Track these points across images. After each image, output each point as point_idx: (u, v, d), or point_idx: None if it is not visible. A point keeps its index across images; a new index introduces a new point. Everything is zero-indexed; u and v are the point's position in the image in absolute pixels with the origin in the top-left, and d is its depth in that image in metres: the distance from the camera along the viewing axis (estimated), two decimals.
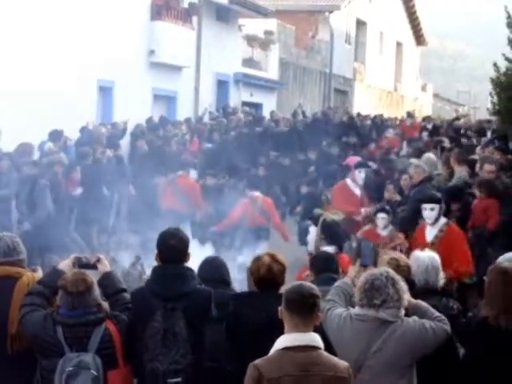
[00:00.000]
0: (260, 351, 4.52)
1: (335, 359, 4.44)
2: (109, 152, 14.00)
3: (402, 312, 4.97)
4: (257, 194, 12.17)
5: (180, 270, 5.36)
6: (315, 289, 4.58)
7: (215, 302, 5.42)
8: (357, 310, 5.03)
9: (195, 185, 13.47)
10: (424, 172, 11.00)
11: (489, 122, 21.91)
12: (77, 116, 15.90)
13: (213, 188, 13.79)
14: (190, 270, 5.47)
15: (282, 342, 4.42)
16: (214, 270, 6.12)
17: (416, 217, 10.32)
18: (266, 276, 5.45)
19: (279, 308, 4.55)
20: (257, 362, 4.37)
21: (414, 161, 12.30)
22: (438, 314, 5.14)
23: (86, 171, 12.62)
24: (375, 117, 25.64)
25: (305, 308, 4.44)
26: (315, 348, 4.39)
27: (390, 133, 21.26)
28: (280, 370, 4.29)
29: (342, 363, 4.41)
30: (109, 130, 16.01)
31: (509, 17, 17.57)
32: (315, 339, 4.42)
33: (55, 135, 14.07)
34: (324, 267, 6.41)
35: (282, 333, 4.49)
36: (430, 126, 22.21)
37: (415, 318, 5.04)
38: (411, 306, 5.14)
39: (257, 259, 5.56)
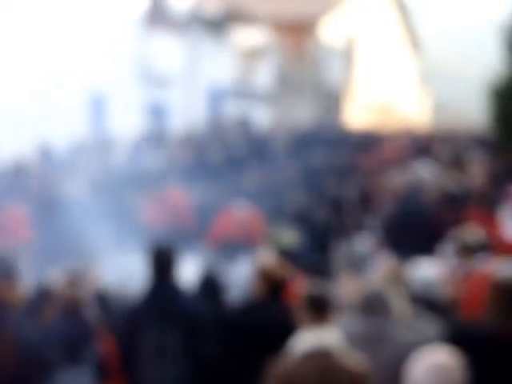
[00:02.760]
0: (263, 356, 4.57)
1: (353, 358, 4.47)
2: (93, 165, 13.83)
3: (398, 326, 5.00)
4: (240, 206, 11.87)
5: (172, 285, 5.40)
6: (327, 289, 4.71)
7: (208, 315, 5.43)
8: (352, 324, 5.03)
9: (183, 199, 12.82)
10: (409, 185, 10.98)
11: (482, 132, 21.94)
12: (69, 128, 15.85)
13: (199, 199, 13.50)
14: (182, 284, 5.53)
15: (303, 343, 4.43)
16: (209, 283, 6.11)
17: (402, 229, 10.20)
18: (272, 283, 5.46)
19: (296, 309, 4.59)
20: (280, 366, 4.38)
21: (401, 173, 12.25)
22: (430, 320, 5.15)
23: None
24: (369, 131, 25.53)
25: (325, 310, 4.51)
26: (335, 349, 4.43)
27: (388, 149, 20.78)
28: (302, 373, 4.33)
29: (360, 362, 4.46)
30: (99, 143, 15.94)
31: (506, 27, 17.59)
32: (334, 340, 4.47)
33: (45, 150, 13.91)
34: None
35: (284, 338, 4.57)
36: (415, 141, 21.93)
37: (408, 330, 5.03)
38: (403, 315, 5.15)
39: (263, 266, 5.61)
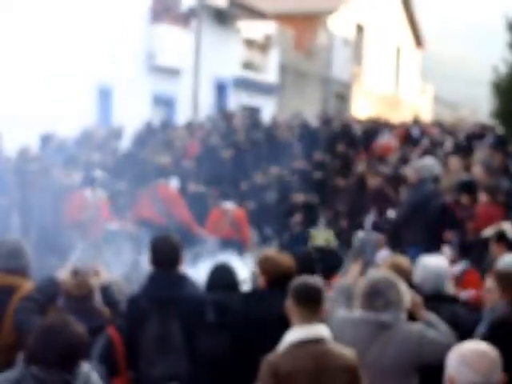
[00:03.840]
0: (266, 347, 4.57)
1: (343, 349, 4.50)
2: (96, 156, 13.82)
3: (404, 315, 5.02)
4: (229, 205, 11.88)
5: (174, 275, 5.39)
6: (320, 282, 4.66)
7: (219, 307, 5.47)
8: (358, 313, 5.08)
9: (176, 194, 12.52)
10: (421, 175, 11.01)
11: (485, 128, 21.91)
12: (76, 119, 15.91)
13: (194, 195, 13.44)
14: (184, 274, 5.48)
15: (293, 336, 4.46)
16: (223, 275, 6.09)
17: (411, 219, 10.30)
18: (273, 273, 5.51)
19: (286, 303, 4.60)
20: (271, 357, 4.39)
21: (412, 163, 12.25)
22: (445, 328, 5.13)
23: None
24: (371, 121, 25.45)
25: (312, 301, 4.50)
26: (324, 339, 4.46)
27: (384, 139, 20.69)
28: (294, 364, 4.33)
29: (350, 352, 4.48)
30: (104, 133, 16.01)
31: (509, 21, 17.60)
32: (324, 331, 4.48)
33: (47, 139, 13.87)
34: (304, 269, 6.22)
35: (287, 329, 4.53)
36: (417, 132, 21.83)
37: (419, 323, 5.08)
38: (421, 319, 5.18)
39: (266, 257, 5.63)
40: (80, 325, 4.01)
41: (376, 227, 8.11)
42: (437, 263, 6.03)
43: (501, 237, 7.49)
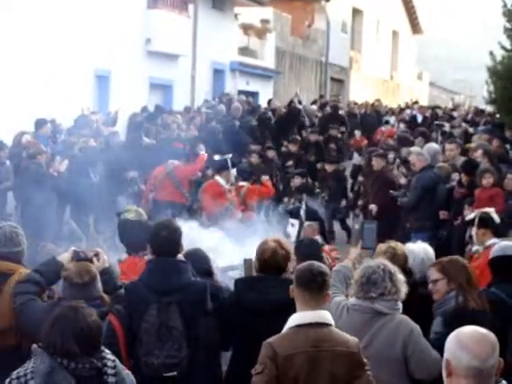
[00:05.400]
0: (260, 334, 4.58)
1: (345, 335, 4.49)
2: (92, 141, 13.82)
3: (399, 305, 5.03)
4: (243, 183, 12.02)
5: (174, 263, 5.32)
6: (325, 267, 4.64)
7: (208, 292, 5.37)
8: (353, 300, 5.10)
9: (193, 172, 13.22)
10: (426, 160, 11.07)
11: (482, 111, 22.01)
12: (73, 105, 15.88)
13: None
14: (184, 262, 5.41)
15: (294, 319, 4.46)
16: (197, 261, 5.89)
17: (419, 204, 10.38)
18: (270, 260, 5.43)
19: (290, 286, 4.60)
20: (271, 340, 4.39)
21: (415, 149, 12.32)
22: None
23: (72, 160, 12.24)
24: (372, 105, 25.57)
25: (315, 285, 4.48)
26: (326, 325, 4.45)
27: (386, 127, 20.92)
28: (294, 347, 4.33)
29: (352, 339, 4.47)
30: (101, 118, 15.99)
31: (505, 5, 17.58)
32: (326, 316, 4.48)
33: (40, 124, 13.71)
34: (308, 252, 6.17)
35: (283, 316, 4.54)
36: (420, 117, 21.94)
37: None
38: None
39: (262, 243, 5.56)
40: (91, 309, 3.93)
41: (309, 216, 8.00)
42: (421, 249, 6.08)
43: (482, 221, 7.42)
